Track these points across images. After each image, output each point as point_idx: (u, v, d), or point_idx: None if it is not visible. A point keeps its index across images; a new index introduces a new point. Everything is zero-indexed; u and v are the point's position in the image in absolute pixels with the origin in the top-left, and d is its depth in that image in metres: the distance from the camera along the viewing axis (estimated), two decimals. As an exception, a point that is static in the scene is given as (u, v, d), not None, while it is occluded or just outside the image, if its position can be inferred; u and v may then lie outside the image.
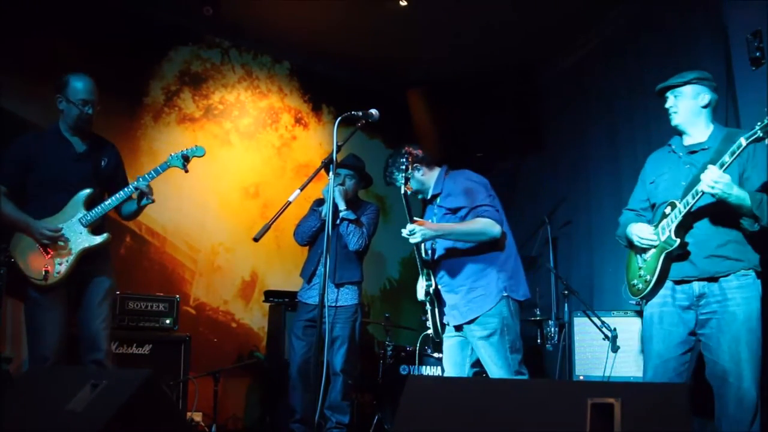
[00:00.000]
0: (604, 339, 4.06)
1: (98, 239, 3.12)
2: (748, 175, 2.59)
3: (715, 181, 2.41)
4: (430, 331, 3.31)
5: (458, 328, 3.11)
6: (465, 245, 3.07)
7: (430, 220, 3.18)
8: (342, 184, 3.99)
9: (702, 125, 2.77)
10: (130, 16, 4.92)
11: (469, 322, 3.02)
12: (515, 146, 6.04)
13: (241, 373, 4.91)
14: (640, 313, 3.77)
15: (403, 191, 3.04)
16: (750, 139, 2.36)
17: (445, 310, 3.12)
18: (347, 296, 3.97)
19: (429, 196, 3.28)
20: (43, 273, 2.98)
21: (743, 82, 3.39)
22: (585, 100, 5.31)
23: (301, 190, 2.79)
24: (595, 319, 4.12)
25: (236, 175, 5.43)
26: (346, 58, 5.80)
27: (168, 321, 4.23)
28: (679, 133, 2.86)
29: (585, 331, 4.25)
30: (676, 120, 2.80)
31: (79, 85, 3.12)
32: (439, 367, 4.42)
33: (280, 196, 5.18)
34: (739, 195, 2.44)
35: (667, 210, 2.70)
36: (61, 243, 3.05)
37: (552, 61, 5.65)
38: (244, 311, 5.27)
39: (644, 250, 2.78)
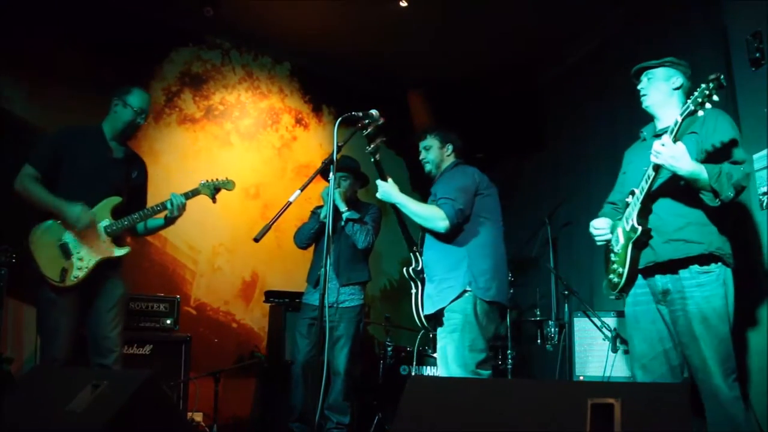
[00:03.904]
0: (604, 339, 4.06)
1: (120, 252, 3.13)
2: (707, 146, 2.50)
3: (662, 144, 2.34)
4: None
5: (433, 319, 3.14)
6: (443, 237, 3.11)
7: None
8: (338, 187, 4.00)
9: (674, 108, 2.64)
10: (131, 17, 4.91)
11: (439, 315, 3.06)
12: (515, 146, 6.03)
13: (241, 374, 4.90)
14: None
15: (374, 159, 3.23)
16: (684, 114, 2.34)
17: (424, 298, 3.17)
18: (352, 297, 3.98)
19: (434, 179, 3.39)
20: (60, 273, 2.93)
21: (743, 82, 3.38)
22: (585, 100, 5.30)
23: (302, 190, 2.79)
24: (595, 320, 4.12)
25: (236, 175, 5.32)
26: (347, 59, 5.80)
27: (169, 321, 4.23)
28: (653, 119, 2.81)
29: (585, 330, 4.25)
30: (646, 102, 2.77)
31: (141, 95, 3.26)
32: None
33: (280, 196, 5.19)
34: (692, 170, 2.33)
35: (629, 198, 2.64)
36: (92, 234, 3.03)
37: (552, 61, 5.65)
38: (244, 311, 5.27)
39: (615, 244, 2.72)
